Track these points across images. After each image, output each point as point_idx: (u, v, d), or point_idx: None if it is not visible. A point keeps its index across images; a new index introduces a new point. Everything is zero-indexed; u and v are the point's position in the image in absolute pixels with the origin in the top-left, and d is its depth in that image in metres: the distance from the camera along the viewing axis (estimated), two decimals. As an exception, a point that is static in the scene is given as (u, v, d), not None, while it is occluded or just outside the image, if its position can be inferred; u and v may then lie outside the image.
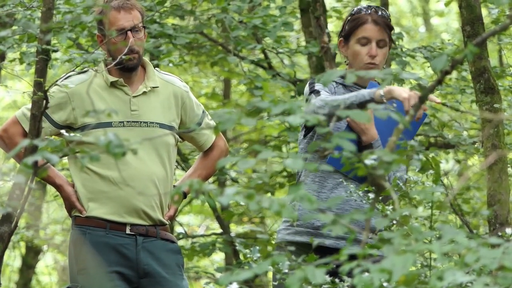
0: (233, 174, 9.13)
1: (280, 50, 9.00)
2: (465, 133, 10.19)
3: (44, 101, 6.50)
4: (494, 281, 4.20)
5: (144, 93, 7.48)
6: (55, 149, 4.98)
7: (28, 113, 7.15)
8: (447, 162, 12.36)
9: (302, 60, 8.90)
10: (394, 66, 9.45)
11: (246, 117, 4.81)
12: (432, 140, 9.95)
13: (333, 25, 11.90)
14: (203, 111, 7.84)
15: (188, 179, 7.73)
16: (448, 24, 17.82)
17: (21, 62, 8.20)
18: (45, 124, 7.21)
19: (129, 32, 7.31)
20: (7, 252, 6.50)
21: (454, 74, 7.44)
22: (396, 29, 14.35)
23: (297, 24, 8.67)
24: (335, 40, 9.08)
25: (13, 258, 12.37)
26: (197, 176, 7.62)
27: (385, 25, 7.48)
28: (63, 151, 5.56)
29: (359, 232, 5.38)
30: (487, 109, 6.72)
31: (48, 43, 6.40)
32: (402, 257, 4.36)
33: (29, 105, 7.17)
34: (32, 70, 7.10)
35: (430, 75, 8.00)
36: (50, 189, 13.12)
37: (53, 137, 7.82)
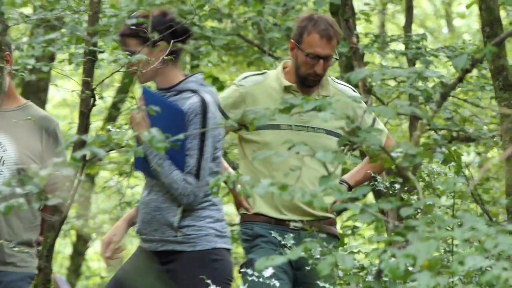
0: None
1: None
2: (485, 127, 10.14)
3: (92, 99, 6.52)
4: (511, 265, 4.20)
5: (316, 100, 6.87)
6: (102, 143, 5.01)
7: None
8: (468, 155, 12.33)
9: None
10: (418, 65, 9.42)
11: (280, 113, 4.83)
12: (454, 134, 9.95)
13: (362, 27, 11.91)
14: (374, 119, 7.71)
15: (354, 175, 7.86)
16: (469, 25, 17.82)
17: (70, 63, 8.21)
18: (223, 121, 7.18)
19: (321, 60, 7.30)
20: (58, 240, 6.50)
21: (474, 72, 7.44)
22: (420, 30, 14.26)
23: None
24: (363, 41, 9.09)
25: (64, 246, 12.44)
26: (362, 174, 7.55)
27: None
28: (110, 146, 5.59)
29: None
30: (506, 105, 6.72)
31: (95, 44, 6.40)
32: (426, 243, 4.36)
33: None
34: (80, 70, 7.14)
35: (452, 73, 7.99)
36: (99, 181, 13.07)
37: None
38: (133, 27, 6.17)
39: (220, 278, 6.63)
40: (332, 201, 6.33)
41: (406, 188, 5.40)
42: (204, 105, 6.57)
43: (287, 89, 7.49)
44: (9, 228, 6.79)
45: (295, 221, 7.17)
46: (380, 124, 7.68)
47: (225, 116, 7.40)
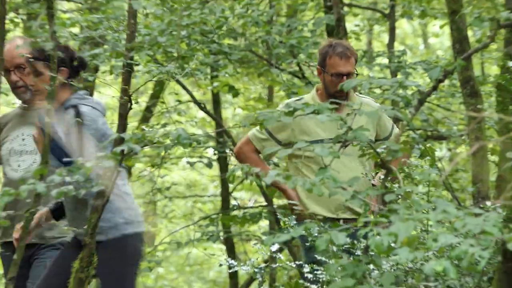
0: (275, 160, 9.13)
1: (311, 64, 9.04)
2: (454, 128, 10.18)
3: (129, 104, 6.51)
4: (477, 242, 4.19)
5: (348, 114, 6.59)
6: (137, 140, 5.05)
7: (258, 135, 7.71)
8: (440, 150, 12.36)
9: None
10: (399, 76, 9.45)
11: (285, 115, 4.84)
12: (429, 133, 9.97)
13: (352, 44, 11.91)
14: (392, 125, 7.80)
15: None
16: (442, 43, 17.83)
17: (111, 73, 8.22)
18: (271, 143, 7.61)
19: (344, 77, 7.38)
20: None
21: (446, 81, 7.50)
22: (401, 47, 14.25)
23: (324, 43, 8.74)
24: None
25: None
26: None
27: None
28: (144, 142, 5.60)
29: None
30: (472, 109, 6.75)
31: (132, 58, 6.41)
32: (406, 224, 4.35)
33: (258, 128, 7.37)
34: (119, 79, 7.15)
35: (427, 83, 8.02)
36: (134, 171, 13.04)
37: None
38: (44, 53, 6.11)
39: (130, 261, 6.62)
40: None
41: (389, 178, 5.40)
42: (78, 116, 6.39)
43: None
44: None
45: (345, 219, 7.10)
46: (396, 129, 7.61)
47: (273, 138, 7.63)
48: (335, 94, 7.47)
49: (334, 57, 7.53)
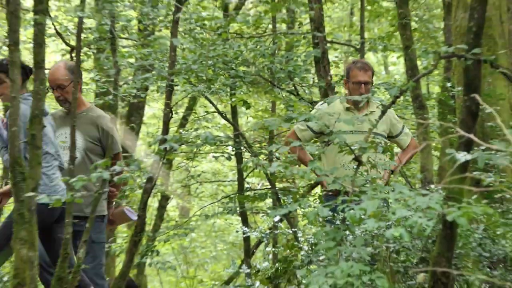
0: (277, 154, 9.07)
1: (304, 85, 9.03)
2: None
3: (170, 114, 6.51)
4: (424, 215, 4.18)
5: (366, 114, 7.41)
6: (176, 141, 5.05)
7: (300, 126, 7.60)
8: (397, 148, 12.35)
9: (315, 90, 8.88)
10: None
11: (284, 122, 4.85)
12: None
13: (333, 70, 11.83)
14: (403, 126, 7.77)
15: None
16: (398, 69, 17.81)
17: (157, 92, 8.22)
18: (308, 132, 7.55)
19: (363, 85, 7.37)
20: (150, 199, 6.44)
21: (401, 98, 7.56)
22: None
23: (313, 70, 8.67)
24: (334, 78, 9.11)
25: (153, 202, 12.47)
26: (398, 160, 7.23)
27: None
28: (181, 142, 5.58)
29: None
30: (420, 118, 6.79)
31: (172, 81, 6.40)
32: (372, 201, 4.34)
33: (302, 122, 7.38)
34: (163, 96, 7.15)
35: (388, 98, 8.00)
36: (174, 162, 13.05)
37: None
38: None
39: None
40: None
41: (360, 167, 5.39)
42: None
43: (348, 109, 7.57)
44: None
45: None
46: (406, 129, 7.70)
47: (310, 129, 7.57)
48: (356, 105, 7.54)
49: (355, 69, 7.55)
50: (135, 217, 6.62)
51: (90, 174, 5.82)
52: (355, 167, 6.59)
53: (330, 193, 6.98)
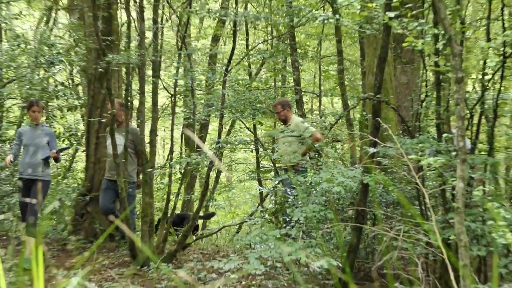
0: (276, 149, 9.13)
1: None
2: (343, 136, 10.11)
3: (221, 128, 6.43)
4: (352, 180, 4.13)
5: (289, 125, 6.50)
6: (224, 142, 5.00)
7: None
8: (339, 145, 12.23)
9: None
10: (324, 117, 9.39)
11: (280, 133, 4.74)
12: (334, 138, 9.77)
13: (305, 106, 11.79)
14: (307, 127, 6.38)
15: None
16: (339, 105, 17.65)
17: (215, 117, 8.36)
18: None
19: (276, 113, 6.60)
20: (211, 172, 6.27)
21: (341, 120, 7.40)
22: (322, 108, 13.80)
23: (295, 105, 8.57)
24: (306, 110, 8.95)
25: (212, 174, 12.21)
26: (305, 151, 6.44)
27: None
28: (227, 143, 5.50)
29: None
30: (350, 130, 6.67)
31: (223, 111, 6.31)
32: (326, 173, 4.28)
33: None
34: (218, 119, 7.09)
35: (332, 120, 7.89)
36: (225, 153, 12.94)
37: None
38: None
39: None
40: (295, 160, 6.13)
41: (320, 156, 5.31)
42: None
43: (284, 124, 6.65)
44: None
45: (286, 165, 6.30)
46: (311, 128, 6.26)
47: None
48: (280, 120, 6.63)
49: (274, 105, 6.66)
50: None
51: (127, 162, 5.54)
52: (288, 155, 6.20)
53: (284, 167, 6.37)
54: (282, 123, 6.67)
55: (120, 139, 5.84)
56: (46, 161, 5.35)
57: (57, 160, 5.55)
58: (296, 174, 6.08)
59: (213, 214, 8.36)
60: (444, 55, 4.07)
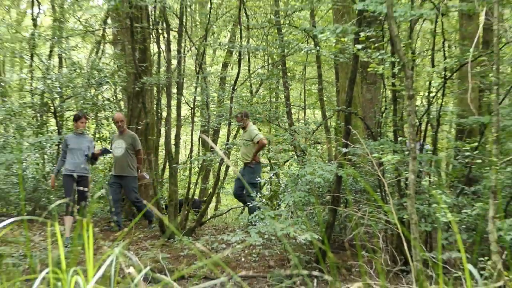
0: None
1: (281, 122, 8.21)
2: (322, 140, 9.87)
3: (229, 133, 6.23)
4: (329, 173, 4.09)
5: (245, 131, 6.10)
6: (232, 144, 4.87)
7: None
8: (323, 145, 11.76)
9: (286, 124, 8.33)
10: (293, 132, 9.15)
11: (274, 136, 4.65)
12: (315, 141, 9.49)
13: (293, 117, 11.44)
14: (256, 134, 5.97)
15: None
16: (319, 116, 16.98)
17: (225, 125, 8.05)
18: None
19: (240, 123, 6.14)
20: (221, 167, 6.17)
21: (320, 127, 7.21)
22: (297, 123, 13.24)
23: (285, 116, 8.38)
24: (294, 120, 8.74)
25: (223, 168, 11.13)
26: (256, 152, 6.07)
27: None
28: (234, 144, 5.38)
29: None
30: (327, 135, 6.55)
31: (230, 120, 6.21)
32: (309, 167, 4.23)
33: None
34: (227, 127, 6.95)
35: (313, 128, 7.77)
36: (232, 152, 12.57)
37: None
38: None
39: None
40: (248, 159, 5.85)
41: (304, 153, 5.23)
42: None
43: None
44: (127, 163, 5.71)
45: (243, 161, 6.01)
46: (258, 136, 5.94)
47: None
48: (241, 126, 6.17)
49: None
50: (147, 177, 5.97)
51: (128, 160, 5.57)
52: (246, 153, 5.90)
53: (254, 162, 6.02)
54: (242, 129, 6.35)
55: (123, 143, 5.75)
56: (88, 159, 5.29)
57: (96, 159, 5.48)
58: (248, 169, 5.89)
59: (202, 201, 7.98)
60: (399, 77, 4.09)
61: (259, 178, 5.49)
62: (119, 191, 5.85)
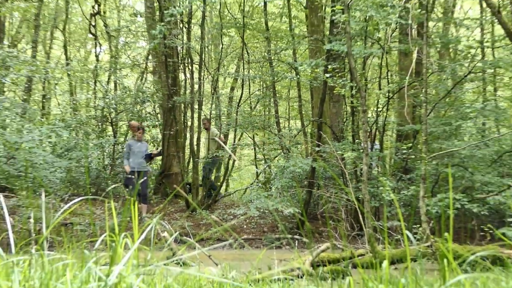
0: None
1: (272, 129, 7.19)
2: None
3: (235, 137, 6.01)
4: (306, 165, 3.99)
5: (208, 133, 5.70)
6: (237, 145, 4.67)
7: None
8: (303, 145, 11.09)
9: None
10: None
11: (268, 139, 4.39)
12: (296, 142, 8.98)
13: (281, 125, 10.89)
14: (217, 134, 5.44)
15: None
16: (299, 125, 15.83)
17: (233, 132, 7.25)
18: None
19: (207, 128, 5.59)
20: (230, 161, 5.87)
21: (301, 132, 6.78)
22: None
23: (275, 125, 7.62)
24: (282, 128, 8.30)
25: (230, 162, 10.30)
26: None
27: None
28: (239, 145, 5.20)
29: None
30: (305, 137, 6.22)
31: (236, 127, 5.97)
32: (292, 160, 4.14)
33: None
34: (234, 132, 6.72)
35: (296, 133, 7.52)
36: (238, 151, 12.18)
37: None
38: None
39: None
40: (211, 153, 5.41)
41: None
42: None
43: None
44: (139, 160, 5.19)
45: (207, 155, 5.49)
46: (218, 133, 5.44)
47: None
48: (205, 128, 5.66)
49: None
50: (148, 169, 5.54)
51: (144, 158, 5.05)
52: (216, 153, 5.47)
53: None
54: (206, 131, 5.92)
55: (141, 147, 5.38)
56: (146, 158, 5.24)
57: (152, 159, 5.48)
58: (210, 161, 5.61)
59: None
60: (356, 97, 4.07)
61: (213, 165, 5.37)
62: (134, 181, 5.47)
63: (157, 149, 6.47)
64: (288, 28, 5.97)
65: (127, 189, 4.98)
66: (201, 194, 5.58)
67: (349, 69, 3.77)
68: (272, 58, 6.73)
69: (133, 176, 4.94)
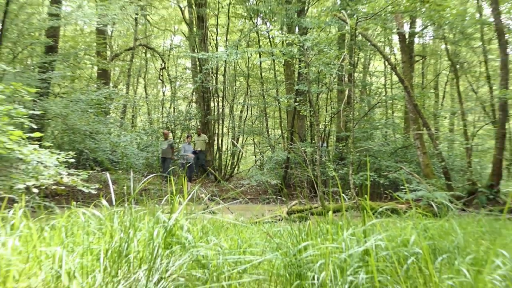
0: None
1: (267, 134, 6.95)
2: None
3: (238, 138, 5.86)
4: (285, 156, 4.00)
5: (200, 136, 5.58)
6: (242, 146, 4.53)
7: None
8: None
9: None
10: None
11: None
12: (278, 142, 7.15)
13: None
14: (205, 138, 5.37)
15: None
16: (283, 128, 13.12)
17: (241, 136, 6.98)
18: None
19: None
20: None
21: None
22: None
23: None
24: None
25: (236, 153, 7.71)
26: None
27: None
28: (243, 145, 5.11)
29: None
30: (287, 141, 5.47)
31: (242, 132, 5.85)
32: (276, 153, 4.06)
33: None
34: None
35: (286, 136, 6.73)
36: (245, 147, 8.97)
37: None
38: None
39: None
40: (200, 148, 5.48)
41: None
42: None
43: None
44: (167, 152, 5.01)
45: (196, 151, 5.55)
46: (206, 137, 5.43)
47: None
48: (198, 134, 5.64)
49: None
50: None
51: (169, 150, 4.99)
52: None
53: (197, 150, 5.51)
54: (198, 135, 5.86)
55: (166, 144, 5.21)
56: (192, 153, 5.29)
57: (195, 153, 5.54)
58: (201, 153, 5.62)
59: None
60: (312, 116, 4.32)
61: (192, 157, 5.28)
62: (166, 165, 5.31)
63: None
64: (273, 76, 6.78)
65: (182, 169, 5.21)
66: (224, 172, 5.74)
67: (308, 100, 4.24)
68: (264, 94, 7.25)
69: (184, 161, 5.15)
